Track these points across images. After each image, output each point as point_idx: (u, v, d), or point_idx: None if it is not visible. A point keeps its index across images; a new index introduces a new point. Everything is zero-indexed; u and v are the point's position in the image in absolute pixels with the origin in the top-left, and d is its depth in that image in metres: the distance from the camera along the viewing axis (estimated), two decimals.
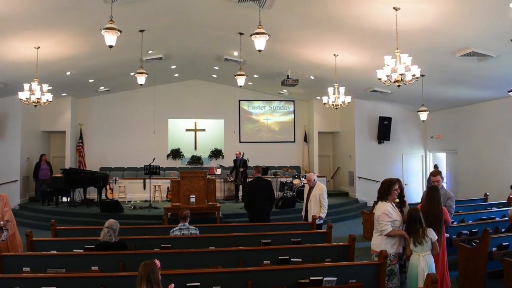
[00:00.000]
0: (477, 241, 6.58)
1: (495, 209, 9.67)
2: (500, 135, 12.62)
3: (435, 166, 14.46)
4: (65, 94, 15.40)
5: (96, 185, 13.51)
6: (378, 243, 5.28)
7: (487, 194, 11.30)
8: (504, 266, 5.79)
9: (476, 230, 7.43)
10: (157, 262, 3.58)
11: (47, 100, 9.64)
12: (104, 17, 6.80)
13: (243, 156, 14.43)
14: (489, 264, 6.28)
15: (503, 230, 7.36)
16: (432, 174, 6.80)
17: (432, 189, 5.67)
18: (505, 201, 10.45)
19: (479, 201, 11.00)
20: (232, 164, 15.07)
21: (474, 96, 12.70)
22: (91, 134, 16.91)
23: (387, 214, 5.21)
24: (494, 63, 9.09)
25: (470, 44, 8.35)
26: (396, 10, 7.00)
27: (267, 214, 8.49)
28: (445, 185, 8.31)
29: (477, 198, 11.67)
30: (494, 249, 6.36)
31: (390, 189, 5.35)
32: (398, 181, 5.59)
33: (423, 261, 5.02)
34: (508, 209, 8.24)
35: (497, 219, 8.58)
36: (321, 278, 4.61)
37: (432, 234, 5.09)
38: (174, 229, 6.63)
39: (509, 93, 8.57)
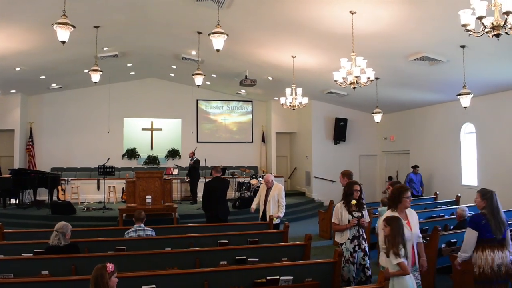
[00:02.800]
0: (428, 238, 6.81)
1: (444, 207, 10.04)
2: (449, 137, 13.14)
3: (390, 178, 14.62)
4: (14, 91, 14.79)
5: (47, 186, 13.04)
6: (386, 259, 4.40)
7: (437, 193, 11.75)
8: (453, 261, 6.00)
9: (427, 227, 7.67)
10: (110, 265, 3.48)
11: None
12: (57, 12, 6.55)
13: (194, 155, 14.33)
14: (438, 260, 6.52)
15: (451, 227, 7.67)
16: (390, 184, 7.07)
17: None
18: (454, 199, 10.88)
19: (429, 200, 11.40)
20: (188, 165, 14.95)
21: (426, 99, 13.16)
22: (42, 133, 16.30)
23: None
24: (444, 67, 9.45)
25: (422, 49, 8.64)
26: (353, 14, 7.15)
27: (224, 214, 8.46)
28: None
29: (427, 197, 12.10)
30: (443, 245, 6.61)
31: (401, 196, 4.69)
32: (408, 189, 4.79)
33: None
34: (456, 207, 8.57)
35: (446, 217, 8.90)
36: (278, 277, 4.63)
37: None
38: (129, 230, 6.50)
39: (458, 97, 8.91)
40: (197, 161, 14.19)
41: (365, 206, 5.76)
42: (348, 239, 5.49)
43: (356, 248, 5.48)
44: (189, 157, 14.41)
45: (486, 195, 4.75)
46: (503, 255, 4.60)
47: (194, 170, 13.88)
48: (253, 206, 8.61)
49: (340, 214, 5.57)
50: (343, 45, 8.34)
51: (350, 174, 7.22)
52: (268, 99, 17.85)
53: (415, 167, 13.30)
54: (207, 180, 9.19)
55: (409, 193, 4.73)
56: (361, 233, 5.57)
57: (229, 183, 8.66)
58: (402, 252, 4.16)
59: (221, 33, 6.83)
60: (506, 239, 4.67)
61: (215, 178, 8.50)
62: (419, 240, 4.82)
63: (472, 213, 9.02)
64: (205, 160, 15.21)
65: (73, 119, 16.59)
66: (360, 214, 5.58)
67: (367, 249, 5.62)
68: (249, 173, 15.67)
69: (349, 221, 5.50)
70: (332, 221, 5.71)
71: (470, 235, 4.71)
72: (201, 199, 8.95)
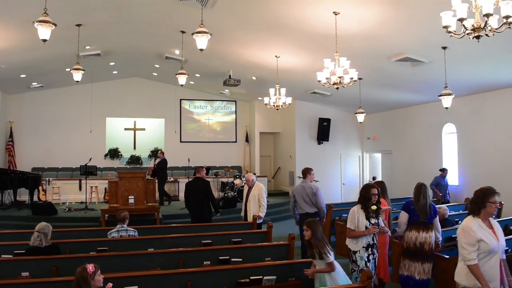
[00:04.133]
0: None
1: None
2: (430, 137, 13.33)
3: (374, 178, 14.54)
4: None
5: (28, 186, 12.81)
6: (463, 273, 3.86)
7: None
8: (435, 261, 6.10)
9: None
10: (89, 266, 3.44)
11: None
12: (38, 9, 6.45)
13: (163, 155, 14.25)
14: None
15: None
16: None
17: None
18: (435, 199, 11.03)
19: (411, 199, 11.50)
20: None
21: (408, 99, 13.31)
22: (22, 133, 16.02)
23: (471, 235, 3.77)
24: (426, 68, 9.56)
25: (404, 50, 8.74)
26: (336, 14, 7.19)
27: (203, 214, 8.39)
28: None
29: (410, 196, 12.19)
30: None
31: (485, 200, 3.82)
32: (495, 192, 3.88)
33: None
34: (438, 207, 8.67)
35: None
36: (261, 277, 4.65)
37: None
38: (112, 231, 6.45)
39: (439, 97, 9.04)
40: (163, 162, 13.79)
41: (380, 211, 5.41)
42: (363, 247, 5.13)
43: (370, 257, 5.16)
44: (158, 157, 14.23)
45: (416, 187, 5.82)
46: (427, 235, 5.54)
47: (160, 171, 13.66)
48: (242, 214, 8.57)
49: (357, 219, 5.18)
50: (326, 45, 8.39)
51: (305, 172, 7.78)
52: (252, 99, 17.86)
53: (443, 170, 11.98)
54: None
55: (496, 198, 3.81)
56: (375, 241, 5.24)
57: (209, 183, 8.58)
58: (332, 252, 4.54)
59: (204, 32, 6.82)
60: (434, 223, 5.66)
61: (195, 178, 8.51)
62: (503, 256, 3.92)
63: (453, 212, 9.22)
64: (189, 160, 15.15)
65: (54, 119, 16.35)
66: (377, 221, 5.24)
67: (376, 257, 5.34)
68: (232, 173, 15.66)
69: (366, 227, 5.14)
70: (347, 226, 5.27)
71: (402, 217, 5.81)
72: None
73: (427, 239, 5.52)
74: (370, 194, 5.19)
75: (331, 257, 4.48)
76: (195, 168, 9.13)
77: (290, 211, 8.38)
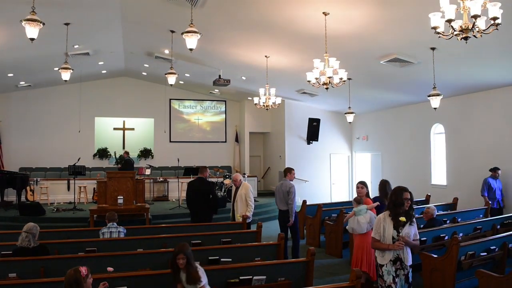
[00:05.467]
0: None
1: (414, 206, 10.20)
2: (419, 137, 13.42)
3: (385, 182, 13.86)
4: None
5: (15, 186, 12.66)
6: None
7: None
8: (423, 259, 6.17)
9: None
10: (83, 269, 3.42)
11: None
12: (25, 8, 6.39)
13: (128, 155, 14.17)
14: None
15: (421, 226, 7.81)
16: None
17: None
18: (424, 198, 11.11)
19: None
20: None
21: (397, 99, 13.40)
22: (9, 132, 15.84)
23: None
24: (415, 69, 9.63)
25: (393, 50, 8.79)
26: (326, 15, 7.21)
27: (203, 214, 8.37)
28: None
29: None
30: None
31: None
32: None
33: None
34: (427, 207, 8.75)
35: (416, 215, 9.05)
36: (251, 277, 4.64)
37: None
38: (103, 228, 6.67)
39: (428, 98, 9.10)
40: (127, 163, 13.71)
41: (414, 219, 4.59)
42: (390, 260, 4.42)
43: (399, 272, 4.42)
44: (125, 157, 14.17)
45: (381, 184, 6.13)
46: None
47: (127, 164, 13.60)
48: (231, 214, 8.64)
49: (383, 228, 4.46)
50: (316, 45, 8.41)
51: (285, 171, 8.06)
52: (241, 99, 17.85)
53: (494, 169, 10.06)
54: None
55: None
56: (406, 254, 4.45)
57: (210, 185, 8.58)
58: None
59: (194, 32, 6.80)
60: None
61: (198, 178, 8.55)
62: None
63: (441, 212, 9.30)
64: (178, 160, 15.09)
65: (42, 118, 16.21)
66: (407, 231, 4.44)
67: (410, 274, 4.52)
68: (222, 173, 15.63)
69: (393, 238, 4.40)
70: (372, 235, 4.60)
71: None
72: None
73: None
74: (402, 199, 4.42)
75: (204, 280, 4.22)
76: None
77: None
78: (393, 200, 4.47)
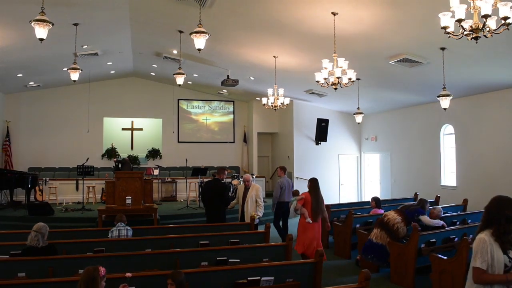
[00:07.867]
0: (407, 238, 6.90)
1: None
2: (429, 138, 13.31)
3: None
4: None
5: (24, 186, 12.75)
6: None
7: (417, 193, 11.85)
8: (432, 261, 6.11)
9: (407, 228, 7.75)
10: (102, 269, 3.43)
11: None
12: (35, 8, 6.43)
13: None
14: (418, 259, 6.60)
15: None
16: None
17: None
18: (433, 200, 11.01)
19: (409, 200, 11.49)
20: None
21: (407, 100, 13.30)
22: (19, 132, 15.95)
23: None
24: (425, 69, 9.56)
25: (403, 50, 8.73)
26: (335, 15, 7.18)
27: (217, 214, 8.44)
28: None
29: (408, 197, 12.21)
30: (422, 245, 6.69)
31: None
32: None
33: None
34: (432, 207, 8.66)
35: None
36: (259, 278, 4.62)
37: None
38: (112, 229, 6.82)
39: (438, 98, 9.03)
40: (122, 162, 13.66)
41: None
42: None
43: None
44: (125, 161, 14.06)
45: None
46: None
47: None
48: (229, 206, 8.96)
49: (490, 254, 3.13)
50: (325, 46, 8.37)
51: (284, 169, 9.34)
52: (250, 99, 17.84)
53: None
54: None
55: None
56: None
57: (223, 187, 8.68)
58: None
59: (203, 32, 6.80)
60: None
61: (214, 179, 8.80)
62: None
63: (451, 213, 9.21)
64: (186, 160, 15.12)
65: (51, 118, 16.30)
66: None
67: None
68: (230, 173, 15.61)
69: (506, 266, 3.13)
70: (475, 265, 3.16)
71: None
72: None
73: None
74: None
75: None
76: (217, 169, 9.56)
77: None
78: (502, 215, 3.23)
